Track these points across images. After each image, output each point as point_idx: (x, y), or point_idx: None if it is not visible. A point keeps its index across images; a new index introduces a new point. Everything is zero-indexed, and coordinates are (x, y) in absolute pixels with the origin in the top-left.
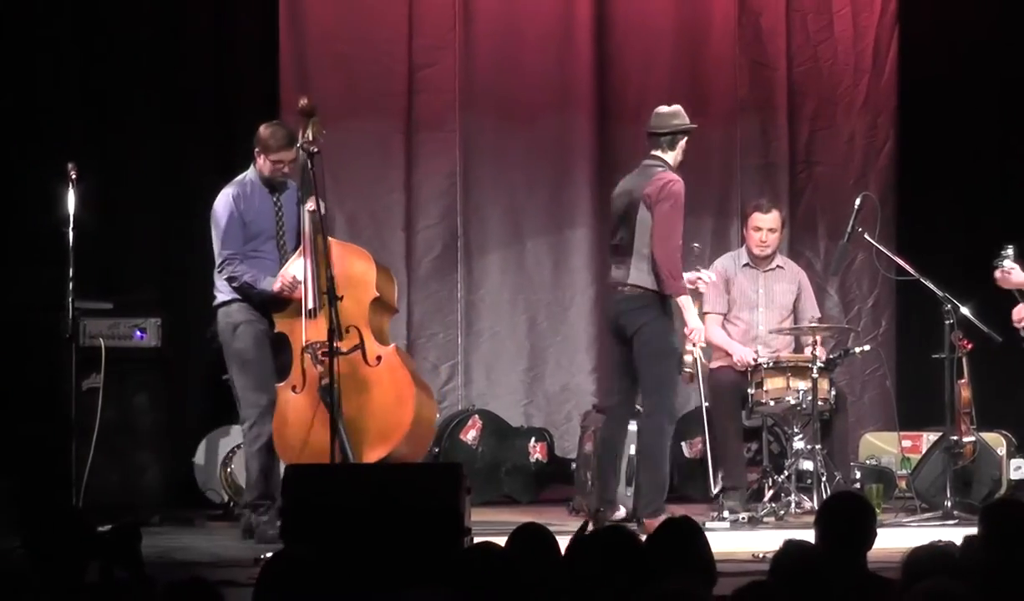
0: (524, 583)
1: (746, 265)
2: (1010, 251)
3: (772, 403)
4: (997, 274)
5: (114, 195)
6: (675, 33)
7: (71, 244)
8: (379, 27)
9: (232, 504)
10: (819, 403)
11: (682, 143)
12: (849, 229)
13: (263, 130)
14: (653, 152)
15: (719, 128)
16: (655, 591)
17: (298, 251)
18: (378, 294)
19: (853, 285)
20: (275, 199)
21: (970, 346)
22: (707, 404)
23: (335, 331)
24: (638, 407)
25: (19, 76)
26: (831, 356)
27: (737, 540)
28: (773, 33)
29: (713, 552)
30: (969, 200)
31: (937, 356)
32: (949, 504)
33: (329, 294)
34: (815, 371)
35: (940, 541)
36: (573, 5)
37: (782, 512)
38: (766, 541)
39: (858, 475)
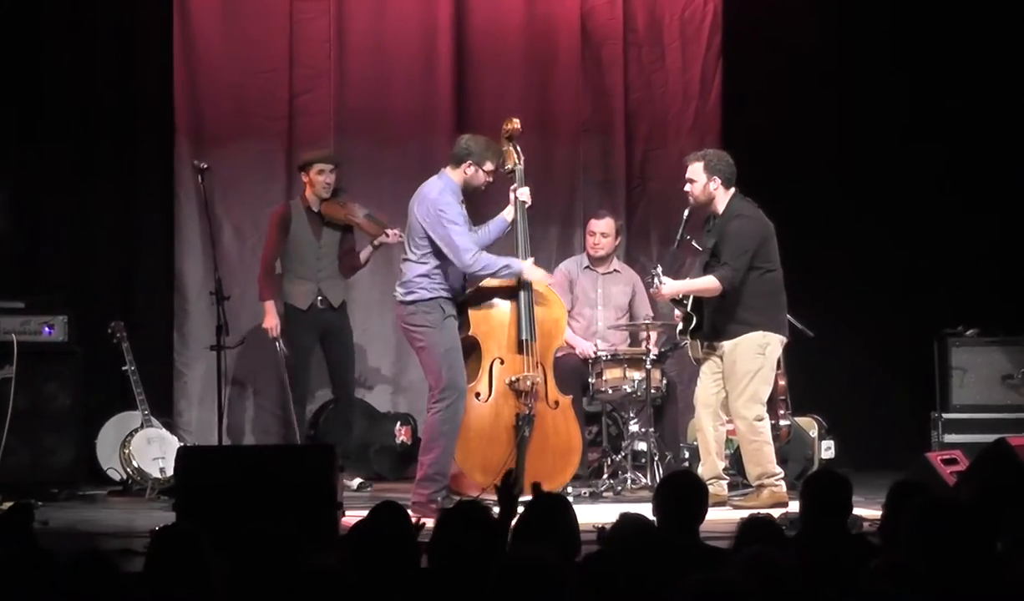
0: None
1: (587, 268)
2: (659, 269)
3: (610, 391)
4: (652, 290)
5: (26, 206)
6: (525, 63)
7: None
8: (263, 57)
9: (130, 481)
10: (652, 391)
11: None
12: (678, 237)
13: (478, 143)
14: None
15: (564, 147)
16: (512, 559)
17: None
18: (563, 345)
19: None
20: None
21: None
22: None
23: (223, 327)
24: None
25: None
26: (663, 349)
27: (580, 513)
28: (612, 63)
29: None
30: (783, 211)
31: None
32: None
33: (217, 294)
34: (648, 363)
35: (760, 512)
36: (435, 38)
37: (619, 488)
38: (605, 514)
39: (687, 455)
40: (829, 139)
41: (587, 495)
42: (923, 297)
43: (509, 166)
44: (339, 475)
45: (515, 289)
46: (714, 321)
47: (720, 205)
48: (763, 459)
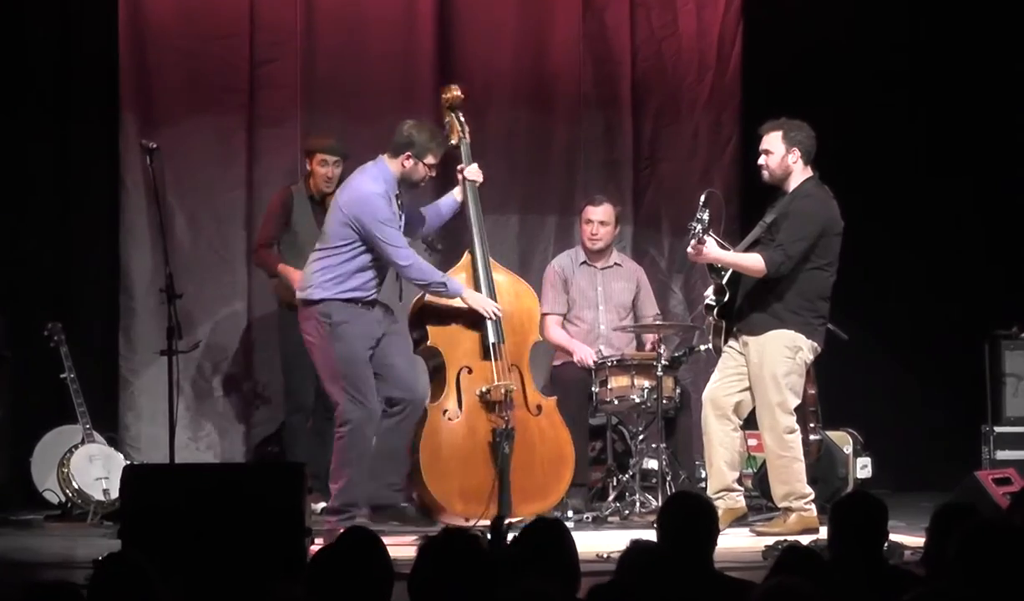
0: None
1: (583, 263)
2: (706, 216)
3: (616, 401)
4: (689, 247)
5: None
6: (518, 28)
7: None
8: (220, 21)
9: (69, 504)
10: (664, 401)
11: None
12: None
13: (422, 132)
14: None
15: (563, 125)
16: (504, 594)
17: (462, 266)
18: (541, 338)
19: (698, 282)
20: (399, 202)
21: None
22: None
23: (176, 329)
24: None
25: None
26: (676, 354)
27: (581, 540)
28: (617, 29)
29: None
30: None
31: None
32: None
33: (168, 292)
34: (660, 369)
35: (788, 539)
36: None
37: (627, 511)
38: (611, 541)
39: (703, 474)
40: (864, 117)
41: (590, 520)
42: (970, 295)
43: (453, 141)
44: (308, 497)
45: (474, 285)
46: (742, 307)
47: (794, 183)
48: (791, 477)
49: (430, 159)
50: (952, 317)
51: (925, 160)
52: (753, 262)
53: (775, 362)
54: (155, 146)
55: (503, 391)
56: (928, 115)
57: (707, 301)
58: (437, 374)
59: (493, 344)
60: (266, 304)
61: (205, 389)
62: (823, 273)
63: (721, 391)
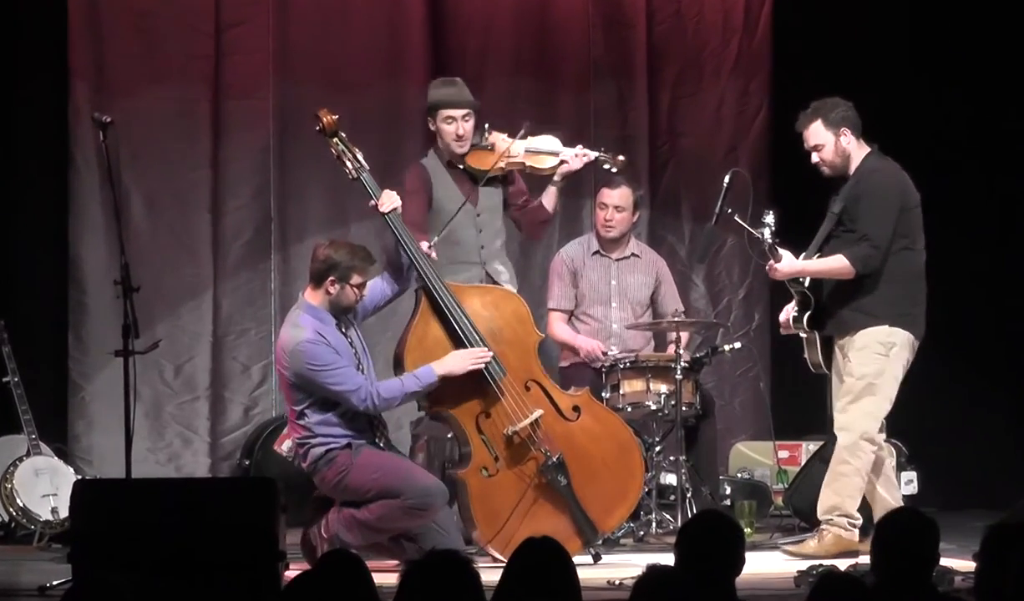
0: None
1: (596, 253)
2: (772, 217)
3: (629, 408)
4: (766, 266)
5: None
6: None
7: None
8: None
9: (13, 524)
10: (683, 408)
11: None
12: (717, 210)
13: (339, 252)
14: None
15: (570, 95)
16: None
17: (421, 316)
18: (542, 335)
19: (722, 274)
20: (343, 329)
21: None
22: None
23: (132, 326)
24: None
25: None
26: (697, 355)
27: (591, 565)
28: None
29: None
30: None
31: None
32: None
33: (124, 285)
34: (679, 372)
35: (856, 565)
36: None
37: (642, 533)
38: (624, 566)
39: (728, 490)
40: (909, 82)
41: (600, 542)
42: None
43: (350, 170)
44: (281, 517)
45: (452, 330)
46: (829, 309)
47: (855, 164)
48: (845, 491)
49: (356, 279)
50: (1005, 316)
51: (972, 137)
52: (838, 265)
53: (864, 361)
54: (109, 120)
55: (529, 427)
56: (971, 86)
57: (794, 314)
58: (458, 435)
59: (495, 382)
60: (234, 297)
61: (166, 394)
62: (910, 252)
63: None
